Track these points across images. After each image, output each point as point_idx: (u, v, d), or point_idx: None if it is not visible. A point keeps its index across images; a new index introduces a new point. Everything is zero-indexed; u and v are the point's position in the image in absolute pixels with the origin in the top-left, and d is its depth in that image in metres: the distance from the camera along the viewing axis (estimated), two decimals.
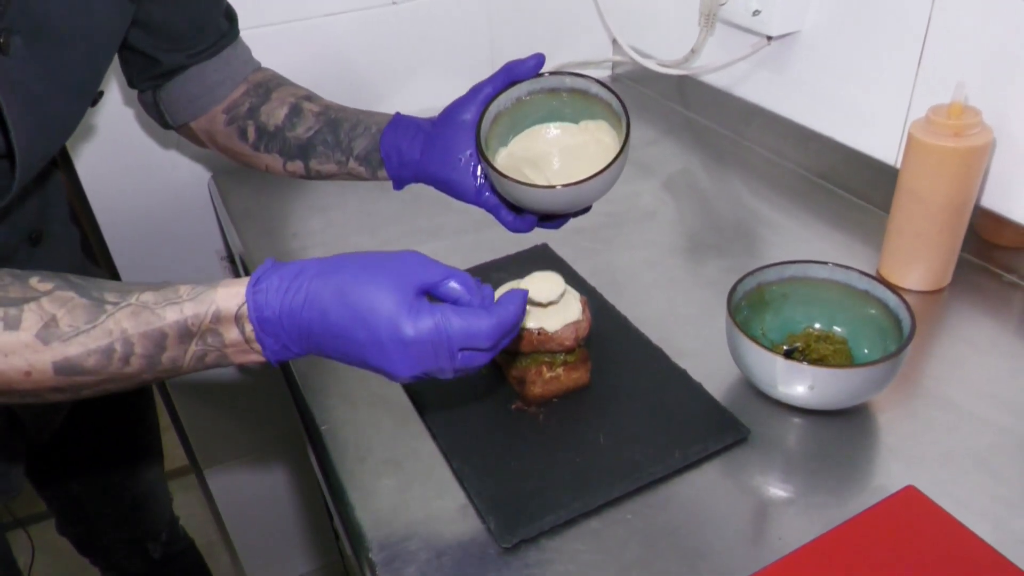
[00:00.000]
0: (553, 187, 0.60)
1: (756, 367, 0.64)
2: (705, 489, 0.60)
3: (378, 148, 0.70)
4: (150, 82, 0.77)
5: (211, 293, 0.49)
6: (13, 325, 0.46)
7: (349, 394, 0.71)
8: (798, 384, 0.62)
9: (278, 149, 0.75)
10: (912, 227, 0.77)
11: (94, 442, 1.02)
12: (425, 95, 1.22)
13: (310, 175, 0.75)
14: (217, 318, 0.49)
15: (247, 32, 0.80)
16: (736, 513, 0.58)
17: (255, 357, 0.51)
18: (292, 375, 0.75)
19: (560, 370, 0.67)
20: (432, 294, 0.50)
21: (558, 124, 0.68)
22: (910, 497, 0.57)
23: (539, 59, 0.65)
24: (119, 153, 1.08)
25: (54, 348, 0.46)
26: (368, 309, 0.48)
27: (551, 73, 0.66)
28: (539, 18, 1.25)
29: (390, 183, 0.72)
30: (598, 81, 0.65)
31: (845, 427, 0.65)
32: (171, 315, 0.48)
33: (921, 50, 0.84)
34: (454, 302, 0.50)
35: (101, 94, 0.74)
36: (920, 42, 0.83)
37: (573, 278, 0.83)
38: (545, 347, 0.66)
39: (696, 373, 0.70)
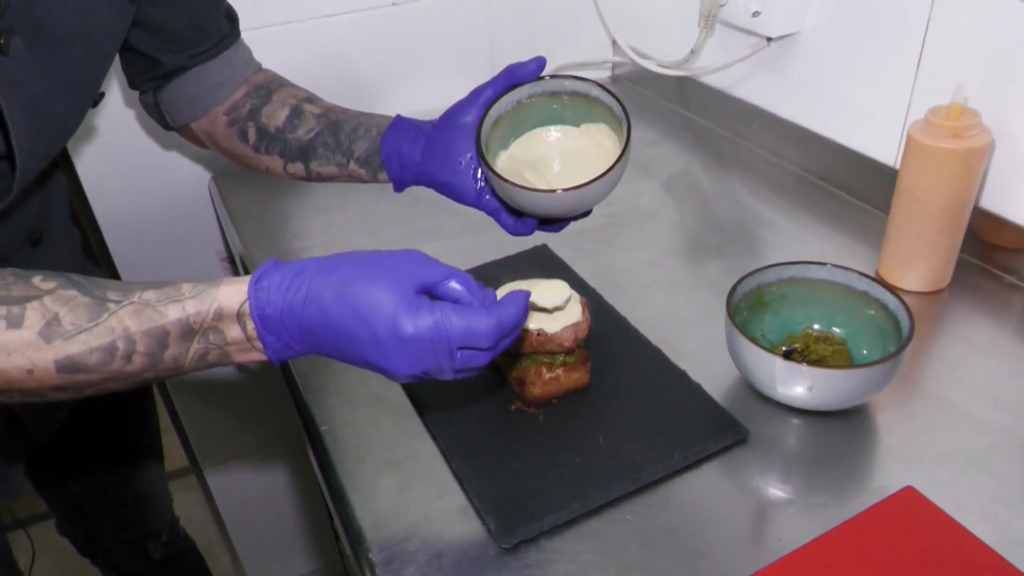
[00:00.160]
0: (553, 191, 0.60)
1: (755, 368, 0.64)
2: (704, 490, 0.60)
3: (379, 151, 0.70)
4: (151, 83, 0.77)
5: (213, 291, 0.49)
6: (16, 323, 0.46)
7: (349, 394, 0.72)
8: (797, 385, 0.62)
9: (279, 151, 0.75)
10: (911, 228, 0.77)
11: (94, 443, 1.02)
12: (425, 96, 1.22)
13: (310, 177, 0.75)
14: (219, 316, 0.49)
15: (247, 33, 0.80)
16: (735, 514, 0.58)
17: (257, 356, 0.51)
18: (292, 375, 0.75)
19: (560, 371, 0.67)
20: (433, 293, 0.50)
21: (559, 127, 0.68)
22: (909, 498, 0.57)
23: (540, 62, 0.65)
24: (120, 154, 1.08)
25: (56, 346, 0.47)
26: (367, 307, 0.48)
27: (552, 76, 0.65)
28: (539, 19, 1.25)
29: (390, 185, 0.72)
30: (599, 84, 0.65)
31: (844, 428, 0.65)
32: (173, 313, 0.48)
33: (920, 51, 0.84)
34: (455, 302, 0.50)
35: (102, 95, 0.74)
36: (919, 43, 0.84)
37: (573, 279, 0.83)
38: (545, 348, 0.66)
39: (695, 374, 0.70)
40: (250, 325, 0.49)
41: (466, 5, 1.19)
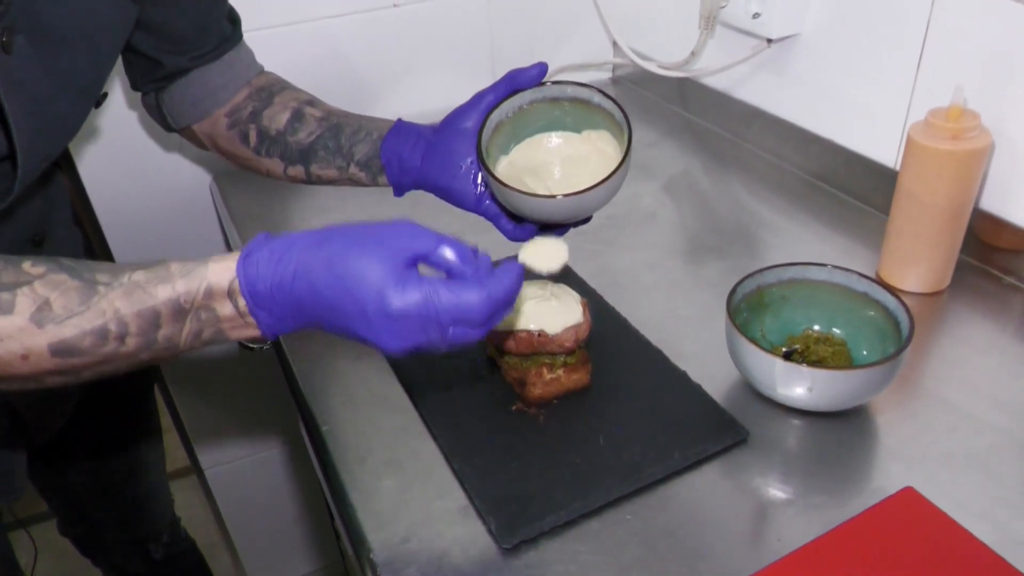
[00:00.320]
0: (554, 197, 0.60)
1: (755, 369, 0.65)
2: (705, 490, 0.60)
3: (379, 154, 0.70)
4: (153, 84, 0.77)
5: (202, 269, 0.49)
6: (7, 309, 0.46)
7: (350, 394, 0.72)
8: (797, 386, 0.63)
9: (279, 154, 0.75)
10: (911, 229, 0.77)
11: (96, 443, 1.02)
12: (426, 96, 1.22)
13: (311, 180, 0.75)
14: (209, 294, 0.48)
15: (248, 34, 0.80)
16: (735, 514, 0.59)
17: (252, 331, 0.50)
18: (293, 375, 0.75)
19: (560, 371, 0.67)
20: (426, 263, 0.49)
21: (560, 133, 0.67)
22: (909, 498, 0.57)
23: (542, 68, 0.65)
24: (122, 155, 1.08)
25: (49, 331, 0.46)
26: (355, 280, 0.46)
27: (553, 82, 0.65)
28: (539, 21, 1.26)
29: (391, 189, 0.72)
30: (600, 91, 0.65)
31: (844, 428, 0.65)
32: (163, 293, 0.48)
33: (920, 53, 0.84)
34: (447, 271, 0.49)
35: (105, 96, 0.74)
36: (919, 45, 0.84)
37: (573, 280, 0.84)
38: (545, 349, 0.66)
39: (696, 375, 0.70)
40: (241, 302, 0.48)
41: (466, 6, 1.19)
